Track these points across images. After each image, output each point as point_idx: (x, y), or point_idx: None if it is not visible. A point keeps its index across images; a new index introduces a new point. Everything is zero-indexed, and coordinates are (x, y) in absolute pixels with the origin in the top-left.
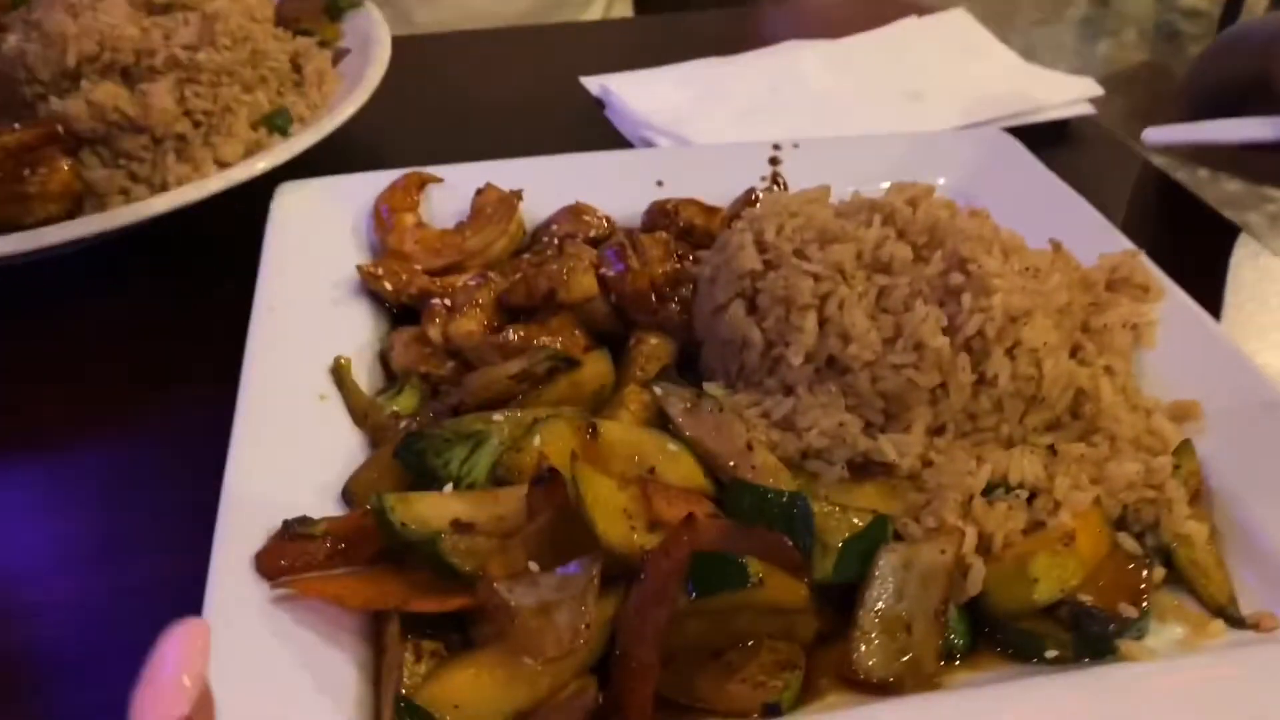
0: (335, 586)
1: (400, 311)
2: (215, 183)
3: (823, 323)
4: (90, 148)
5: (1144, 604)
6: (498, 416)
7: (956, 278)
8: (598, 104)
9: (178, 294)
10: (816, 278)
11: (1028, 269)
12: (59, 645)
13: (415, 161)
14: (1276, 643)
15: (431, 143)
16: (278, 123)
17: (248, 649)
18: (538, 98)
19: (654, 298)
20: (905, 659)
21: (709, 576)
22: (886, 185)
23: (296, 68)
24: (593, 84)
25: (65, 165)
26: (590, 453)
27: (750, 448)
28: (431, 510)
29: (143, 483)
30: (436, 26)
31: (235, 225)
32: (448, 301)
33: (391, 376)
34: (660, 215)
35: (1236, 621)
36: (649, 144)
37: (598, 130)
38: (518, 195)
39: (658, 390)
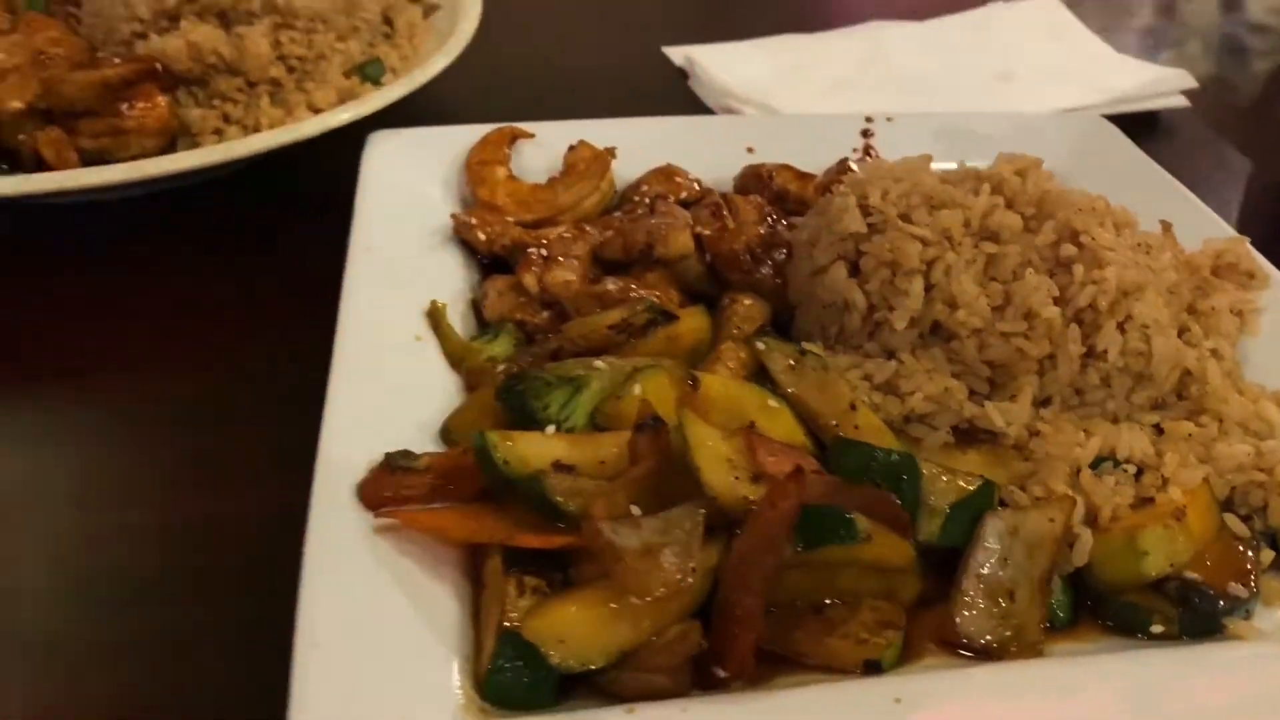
0: (437, 519)
1: (490, 262)
2: (310, 126)
3: (929, 288)
4: (185, 87)
5: (1253, 584)
6: (599, 363)
7: (1068, 249)
8: (679, 74)
9: (266, 235)
10: (924, 242)
11: (1139, 245)
12: (156, 564)
13: (498, 120)
14: None
15: (514, 103)
16: (370, 72)
17: (349, 579)
18: (620, 64)
19: (749, 259)
20: (1008, 625)
21: (817, 529)
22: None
23: (387, 20)
24: (676, 54)
25: (163, 101)
26: (690, 404)
27: (854, 408)
28: (533, 450)
29: (236, 418)
30: None
31: (325, 171)
32: (544, 252)
33: (483, 324)
34: (753, 179)
35: None
36: (733, 114)
37: (680, 99)
38: (611, 153)
39: (760, 345)
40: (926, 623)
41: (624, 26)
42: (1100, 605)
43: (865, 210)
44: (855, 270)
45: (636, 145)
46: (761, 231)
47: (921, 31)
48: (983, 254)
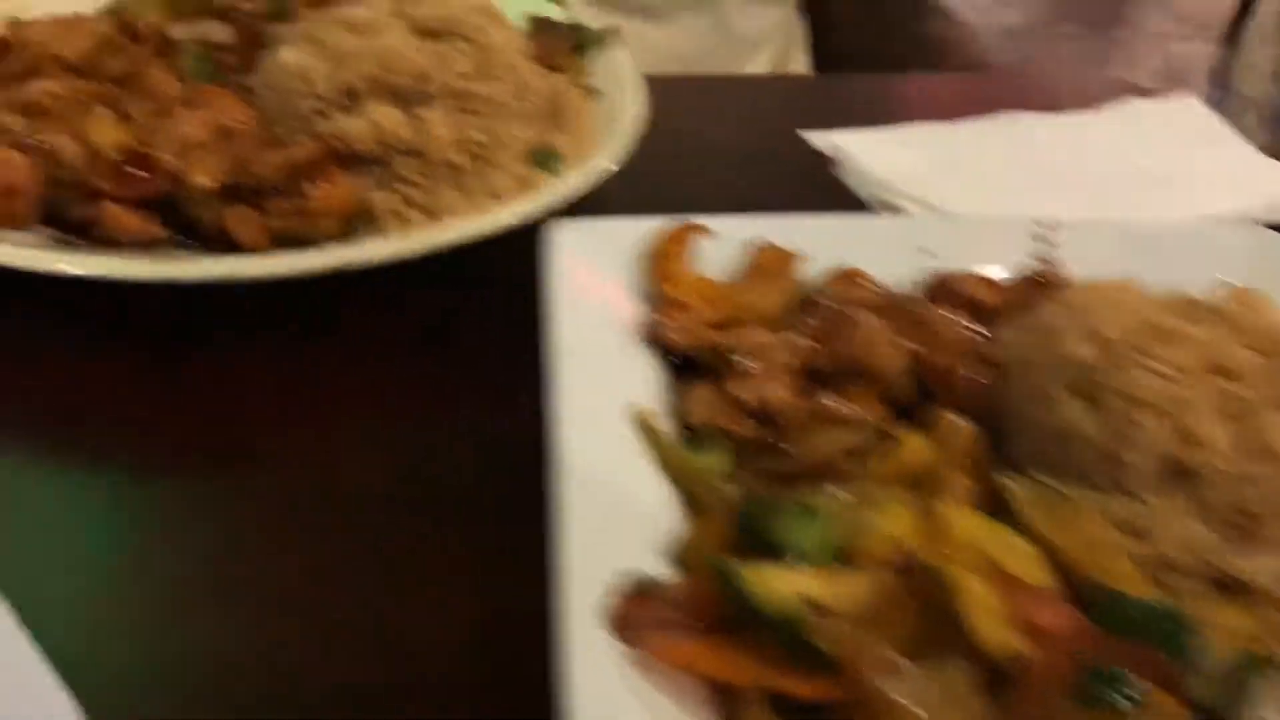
0: (694, 655)
1: (681, 361)
2: (506, 216)
3: (1167, 424)
4: (364, 168)
5: None
6: (835, 491)
7: None
8: (817, 158)
9: (439, 321)
10: (1160, 375)
11: None
12: (357, 675)
13: (638, 206)
14: None
15: (653, 188)
16: (546, 160)
17: (603, 700)
18: (755, 149)
19: (960, 376)
20: None
21: (1094, 689)
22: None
23: (553, 104)
24: (818, 139)
25: (348, 183)
26: (931, 540)
27: (1112, 553)
28: (784, 585)
29: (425, 513)
30: None
31: (487, 255)
32: (751, 361)
33: (685, 427)
34: (942, 288)
35: None
36: (889, 206)
37: (822, 186)
38: (798, 256)
39: (1007, 482)
40: None
41: (750, 108)
42: None
43: (1089, 335)
44: (1083, 399)
45: (807, 242)
46: (967, 345)
47: (1063, 126)
48: (1221, 391)
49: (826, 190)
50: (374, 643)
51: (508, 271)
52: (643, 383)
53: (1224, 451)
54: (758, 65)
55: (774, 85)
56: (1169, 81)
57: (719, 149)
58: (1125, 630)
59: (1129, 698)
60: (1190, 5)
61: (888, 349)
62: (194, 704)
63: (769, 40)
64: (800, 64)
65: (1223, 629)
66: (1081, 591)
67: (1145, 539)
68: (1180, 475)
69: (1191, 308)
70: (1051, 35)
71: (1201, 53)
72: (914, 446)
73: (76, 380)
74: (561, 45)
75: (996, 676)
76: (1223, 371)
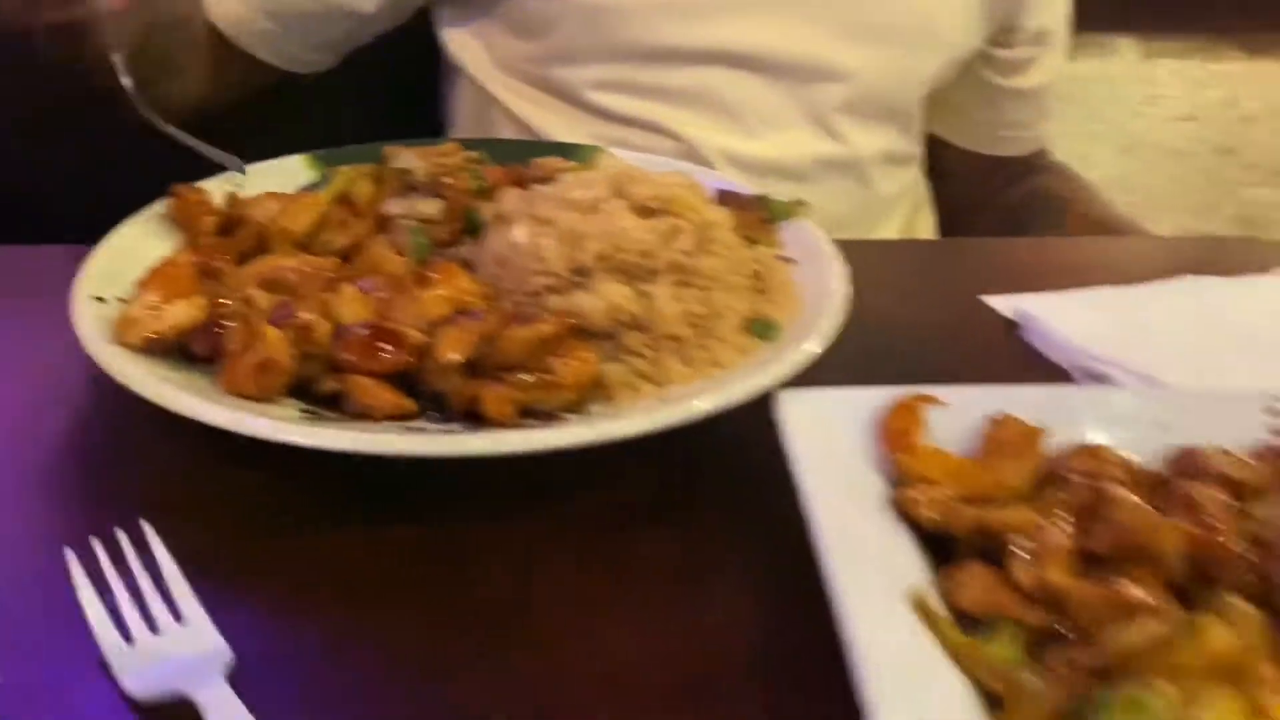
0: None
1: (931, 538)
2: (741, 388)
3: None
4: (595, 342)
5: None
6: (1159, 685)
7: None
8: (1003, 325)
9: (677, 495)
10: None
11: None
12: None
13: (843, 378)
14: None
15: (843, 358)
16: (764, 330)
17: None
18: (935, 316)
19: (1244, 559)
20: None
21: None
22: None
23: (759, 276)
24: (1001, 304)
25: (592, 358)
26: None
27: None
28: None
29: (704, 695)
30: None
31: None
32: (1028, 544)
33: (955, 612)
34: (1190, 464)
35: None
36: (1092, 374)
37: (1008, 353)
38: (1043, 431)
39: None
40: None
41: (923, 267)
42: None
43: None
44: None
45: (1040, 414)
46: (1241, 527)
47: (1244, 289)
48: None
49: (1018, 358)
50: None
51: (736, 445)
52: (911, 564)
53: None
54: (890, 226)
55: (928, 247)
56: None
57: (894, 314)
58: None
59: None
60: None
61: (1169, 530)
62: None
63: (902, 199)
64: (928, 224)
65: None
66: None
67: None
68: None
69: None
70: None
71: None
72: (1218, 634)
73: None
74: (753, 218)
75: None
76: None
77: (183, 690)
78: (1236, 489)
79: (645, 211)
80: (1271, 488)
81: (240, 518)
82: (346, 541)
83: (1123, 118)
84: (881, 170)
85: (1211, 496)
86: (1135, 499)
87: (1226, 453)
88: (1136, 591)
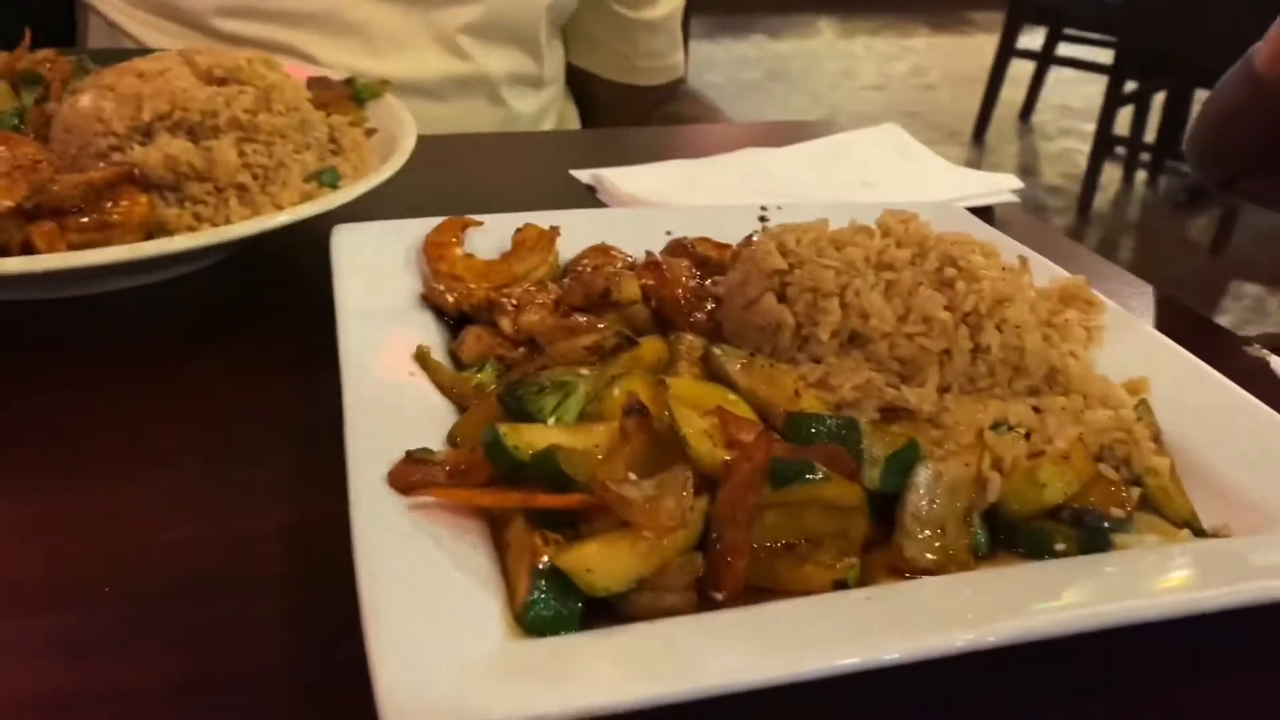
0: (458, 493)
1: (456, 323)
2: (285, 216)
3: (844, 306)
4: (159, 191)
5: (1129, 510)
6: (583, 371)
7: (950, 271)
8: (587, 191)
9: (250, 316)
10: (836, 271)
11: (1004, 268)
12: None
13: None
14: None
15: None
16: (327, 179)
17: (395, 544)
18: (533, 187)
19: (687, 304)
20: (944, 551)
21: (784, 473)
22: None
23: (334, 140)
24: (583, 174)
25: (145, 200)
26: (659, 397)
27: (798, 394)
28: (537, 437)
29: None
30: None
31: (287, 265)
32: (514, 301)
33: (460, 367)
34: (679, 248)
35: (1200, 532)
36: None
37: (590, 208)
38: (555, 230)
39: (717, 351)
40: (878, 559)
41: (529, 156)
42: (1012, 535)
43: (783, 252)
44: (782, 298)
45: (569, 231)
46: (694, 284)
47: (790, 152)
48: (883, 279)
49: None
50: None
51: (301, 273)
52: (424, 334)
53: (887, 319)
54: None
55: (544, 137)
56: None
57: (500, 186)
58: (811, 440)
59: (811, 473)
60: None
61: (630, 282)
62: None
63: (543, 120)
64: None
65: (889, 434)
66: (779, 426)
67: (830, 389)
68: (854, 341)
69: (861, 229)
70: None
71: None
72: (652, 347)
73: None
74: (338, 95)
75: (711, 482)
76: (883, 266)
77: None
78: (713, 266)
79: (211, 79)
80: (731, 264)
81: None
82: None
83: (822, 89)
84: (512, 90)
85: (675, 263)
86: (622, 268)
87: (705, 240)
88: (585, 319)
